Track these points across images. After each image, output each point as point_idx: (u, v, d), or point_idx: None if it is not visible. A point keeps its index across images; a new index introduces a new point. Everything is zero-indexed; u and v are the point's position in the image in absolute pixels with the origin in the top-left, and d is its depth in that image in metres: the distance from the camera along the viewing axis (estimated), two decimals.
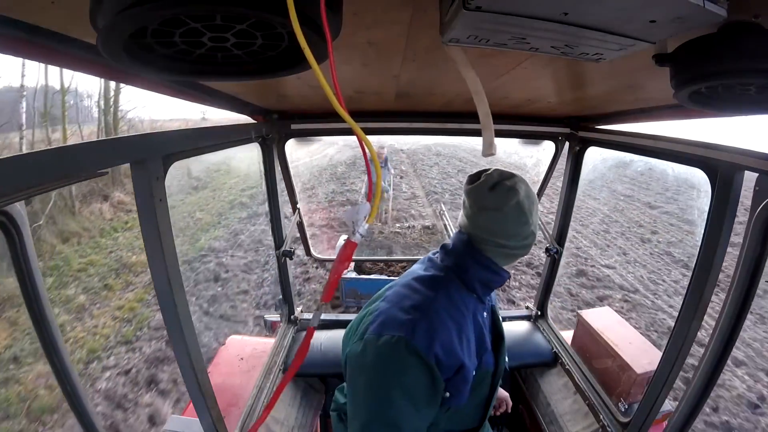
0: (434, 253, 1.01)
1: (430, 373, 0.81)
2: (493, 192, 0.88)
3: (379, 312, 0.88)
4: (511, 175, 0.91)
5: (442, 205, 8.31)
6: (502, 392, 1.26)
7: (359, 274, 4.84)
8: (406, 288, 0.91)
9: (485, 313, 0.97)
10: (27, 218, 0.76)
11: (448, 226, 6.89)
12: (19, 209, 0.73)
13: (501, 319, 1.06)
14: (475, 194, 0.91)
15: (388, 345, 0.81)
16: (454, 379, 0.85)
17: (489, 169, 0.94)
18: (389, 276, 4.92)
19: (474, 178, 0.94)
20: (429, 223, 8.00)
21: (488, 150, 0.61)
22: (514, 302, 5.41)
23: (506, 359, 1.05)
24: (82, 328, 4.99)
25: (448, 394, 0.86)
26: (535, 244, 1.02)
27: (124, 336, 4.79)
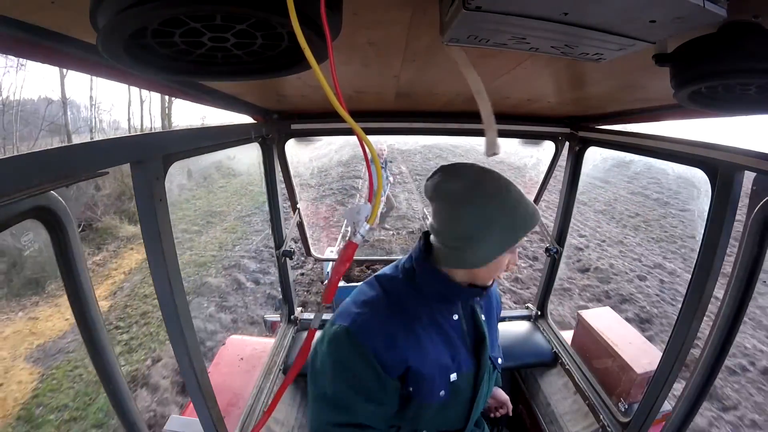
0: (404, 257, 1.00)
1: (370, 365, 0.84)
2: (429, 180, 0.90)
3: (341, 305, 0.94)
4: (458, 166, 0.88)
5: (426, 209, 8.31)
6: (502, 395, 1.25)
7: (347, 282, 4.81)
8: (366, 285, 0.96)
9: (455, 316, 0.94)
10: (69, 208, 0.74)
11: None
12: (61, 201, 0.72)
13: (491, 322, 1.04)
14: (429, 187, 0.91)
15: (335, 333, 0.87)
16: (409, 377, 0.88)
17: (458, 163, 0.90)
18: None
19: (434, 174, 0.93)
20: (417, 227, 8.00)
21: (492, 149, 0.60)
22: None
23: (498, 360, 1.02)
24: (206, 238, 8.14)
25: (411, 389, 0.89)
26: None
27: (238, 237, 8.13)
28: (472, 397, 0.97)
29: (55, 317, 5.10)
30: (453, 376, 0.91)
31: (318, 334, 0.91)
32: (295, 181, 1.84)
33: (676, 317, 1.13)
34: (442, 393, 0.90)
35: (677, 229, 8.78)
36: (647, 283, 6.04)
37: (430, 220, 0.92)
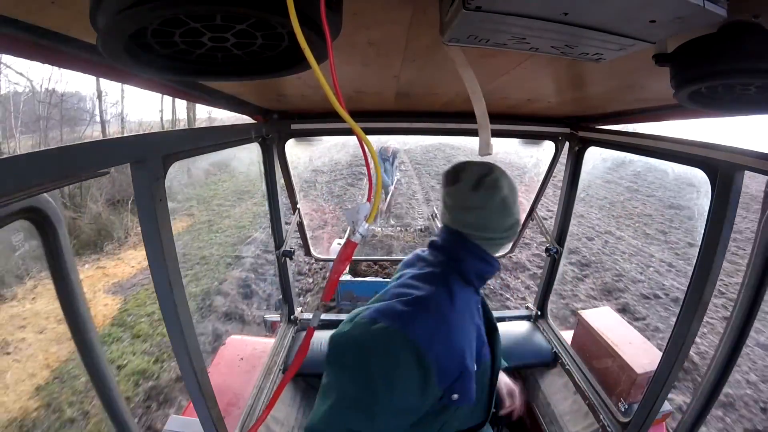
0: (423, 251, 1.00)
1: (424, 376, 0.76)
2: (476, 192, 0.88)
3: (376, 305, 0.86)
4: (490, 170, 0.90)
5: (434, 208, 8.38)
6: (509, 385, 1.24)
7: (354, 277, 4.84)
8: (403, 287, 0.89)
9: (479, 306, 0.97)
10: (60, 212, 0.74)
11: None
12: (51, 202, 0.72)
13: (494, 314, 1.06)
14: (456, 196, 0.91)
15: (382, 334, 0.77)
16: (458, 381, 0.82)
17: (464, 165, 0.92)
18: (384, 278, 4.93)
19: (453, 179, 0.92)
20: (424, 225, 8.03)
21: (485, 150, 0.61)
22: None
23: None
24: (240, 210, 9.26)
25: (456, 396, 0.82)
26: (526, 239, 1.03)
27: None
28: (490, 389, 0.98)
29: (120, 266, 6.46)
30: (479, 368, 0.90)
31: (338, 329, 0.85)
32: (294, 181, 1.84)
33: (676, 317, 1.13)
34: (475, 389, 0.87)
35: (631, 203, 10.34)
36: (594, 242, 7.62)
37: (467, 221, 0.91)
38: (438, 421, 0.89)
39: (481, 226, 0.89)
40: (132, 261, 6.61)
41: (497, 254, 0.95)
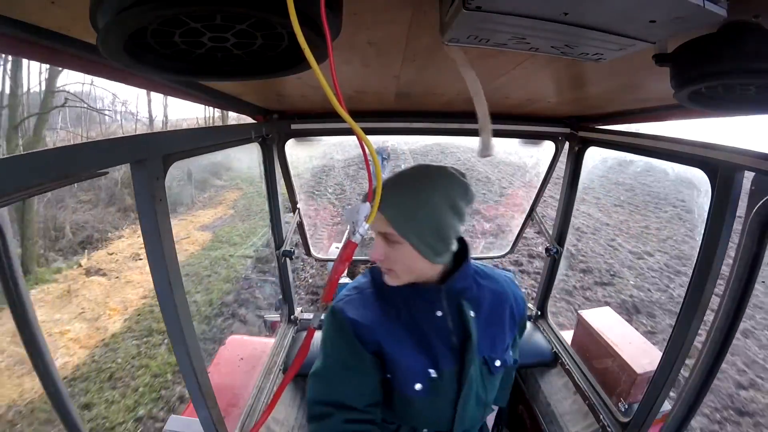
0: None
1: (347, 337, 0.89)
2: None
3: None
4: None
5: None
6: None
7: (352, 279, 4.82)
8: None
9: (439, 312, 0.91)
10: (8, 218, 0.74)
11: None
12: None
13: (473, 316, 0.95)
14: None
15: (329, 312, 0.95)
16: (385, 359, 0.90)
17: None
18: None
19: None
20: None
21: (486, 151, 0.61)
22: None
23: (495, 362, 0.96)
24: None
25: (389, 375, 0.91)
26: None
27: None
28: (455, 398, 0.92)
29: (202, 217, 9.72)
30: (432, 372, 0.89)
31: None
32: (295, 181, 1.84)
33: (676, 317, 1.13)
34: (418, 387, 0.88)
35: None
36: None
37: None
38: (394, 404, 0.93)
39: None
40: (210, 212, 10.04)
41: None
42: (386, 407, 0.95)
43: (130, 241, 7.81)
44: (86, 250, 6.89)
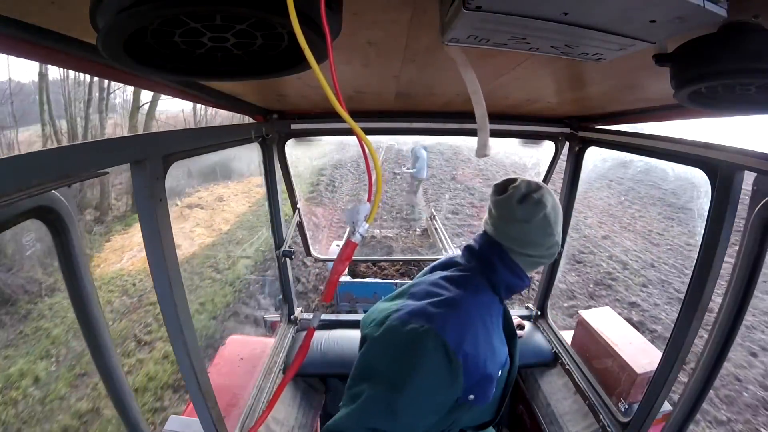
0: (456, 256, 1.04)
1: (454, 372, 0.79)
2: (521, 205, 0.90)
3: (405, 305, 0.88)
4: (538, 187, 0.92)
5: (434, 210, 8.49)
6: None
7: (353, 278, 4.83)
8: (435, 286, 0.92)
9: (501, 314, 0.99)
10: (72, 209, 0.73)
11: (439, 230, 6.93)
12: (62, 201, 0.71)
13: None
14: (503, 206, 0.93)
15: (414, 333, 0.79)
16: (479, 384, 0.84)
17: (516, 180, 0.95)
18: (383, 279, 4.93)
19: (501, 189, 0.96)
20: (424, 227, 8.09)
21: (482, 150, 0.61)
22: None
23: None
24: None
25: (472, 397, 0.84)
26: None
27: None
28: (504, 391, 1.00)
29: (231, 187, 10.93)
30: (499, 373, 0.93)
31: (370, 330, 0.86)
32: (295, 181, 1.84)
33: (676, 317, 1.13)
34: (494, 391, 0.90)
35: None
36: None
37: (510, 234, 0.94)
38: (449, 418, 0.90)
39: (523, 242, 0.92)
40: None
41: (531, 271, 0.97)
42: (444, 416, 0.88)
43: (212, 191, 10.45)
44: (178, 197, 9.49)
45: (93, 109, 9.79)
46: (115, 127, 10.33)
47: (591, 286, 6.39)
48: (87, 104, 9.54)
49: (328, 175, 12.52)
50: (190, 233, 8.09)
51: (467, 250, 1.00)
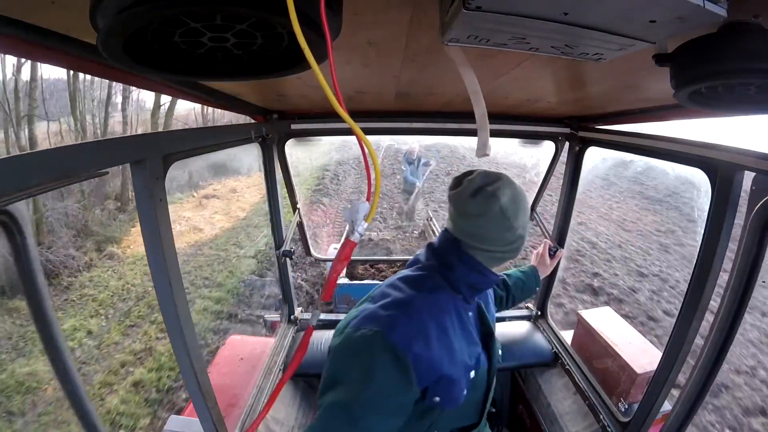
0: (420, 253, 0.99)
1: (404, 374, 0.78)
2: (474, 198, 0.85)
3: (363, 309, 0.87)
4: (495, 179, 0.87)
5: (430, 211, 8.51)
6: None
7: (351, 280, 4.83)
8: (390, 287, 0.90)
9: (470, 313, 0.95)
10: (28, 216, 0.74)
11: (435, 231, 6.92)
12: (20, 207, 0.71)
13: (492, 316, 1.04)
14: (457, 200, 0.89)
15: (364, 338, 0.79)
16: (438, 385, 0.83)
17: (473, 173, 0.91)
18: (381, 281, 4.88)
19: (456, 183, 0.91)
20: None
21: (482, 150, 0.61)
22: None
23: (500, 356, 1.03)
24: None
25: (438, 399, 0.83)
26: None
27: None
28: (485, 392, 0.98)
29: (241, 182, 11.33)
30: (472, 374, 0.91)
31: (332, 342, 0.86)
32: (295, 181, 1.84)
33: (676, 317, 1.13)
34: (464, 393, 0.88)
35: None
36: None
37: (471, 230, 0.89)
38: (424, 422, 0.89)
39: (479, 236, 0.87)
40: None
41: (495, 267, 0.92)
42: (416, 420, 0.88)
43: (225, 184, 11.19)
44: (193, 189, 10.37)
45: (112, 108, 10.28)
46: (142, 124, 11.05)
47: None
48: (107, 102, 10.00)
49: (332, 170, 13.42)
50: (211, 219, 9.13)
51: (428, 247, 0.96)
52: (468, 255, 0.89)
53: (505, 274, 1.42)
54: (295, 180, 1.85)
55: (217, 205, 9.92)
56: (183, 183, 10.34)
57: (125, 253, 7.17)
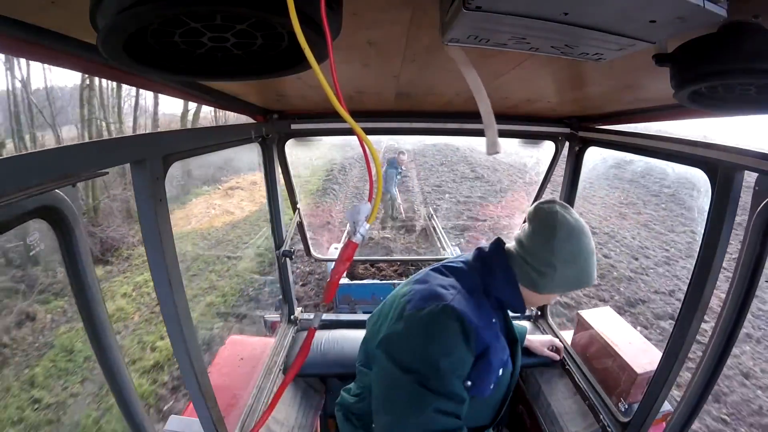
0: (467, 254, 1.07)
1: (467, 339, 0.84)
2: (540, 216, 0.95)
3: (415, 291, 0.93)
4: (564, 207, 0.96)
5: (431, 209, 8.56)
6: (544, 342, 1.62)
7: (351, 280, 4.82)
8: (437, 271, 0.98)
9: (495, 319, 1.00)
10: (76, 208, 0.73)
11: (437, 229, 6.92)
12: (66, 201, 0.71)
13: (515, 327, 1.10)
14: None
15: (432, 314, 0.86)
16: (479, 363, 0.88)
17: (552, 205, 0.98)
18: (381, 280, 4.92)
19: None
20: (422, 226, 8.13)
21: (492, 148, 0.60)
22: None
23: (519, 365, 1.10)
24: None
25: (470, 383, 0.88)
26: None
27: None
28: (505, 395, 1.02)
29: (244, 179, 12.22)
30: (500, 371, 0.95)
31: (390, 331, 0.90)
32: (295, 181, 1.84)
33: (676, 317, 1.13)
34: (492, 387, 0.93)
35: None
36: None
37: (521, 237, 0.97)
38: None
39: (523, 244, 0.95)
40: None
41: (525, 287, 0.97)
42: None
43: (244, 179, 12.18)
44: (218, 183, 11.72)
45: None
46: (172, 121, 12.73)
47: None
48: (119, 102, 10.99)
49: (339, 164, 15.40)
50: (239, 204, 10.79)
51: (477, 250, 1.04)
52: (509, 266, 0.96)
53: None
54: (295, 180, 1.85)
55: (241, 194, 11.36)
56: (208, 178, 12.07)
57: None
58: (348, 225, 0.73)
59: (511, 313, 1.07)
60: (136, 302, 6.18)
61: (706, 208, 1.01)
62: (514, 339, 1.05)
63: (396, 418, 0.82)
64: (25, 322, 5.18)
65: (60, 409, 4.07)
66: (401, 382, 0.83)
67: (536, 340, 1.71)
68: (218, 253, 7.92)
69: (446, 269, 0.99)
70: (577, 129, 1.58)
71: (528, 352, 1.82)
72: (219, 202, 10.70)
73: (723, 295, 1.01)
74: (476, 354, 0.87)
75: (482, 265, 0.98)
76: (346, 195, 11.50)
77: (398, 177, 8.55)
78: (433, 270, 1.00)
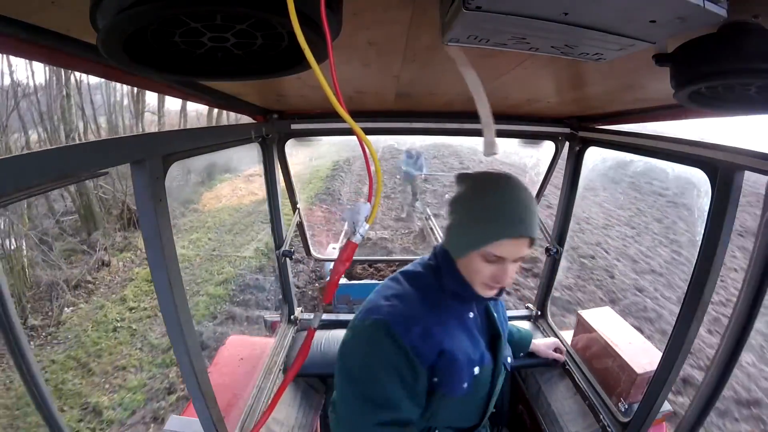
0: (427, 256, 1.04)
1: (407, 358, 0.84)
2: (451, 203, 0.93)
3: (367, 301, 0.94)
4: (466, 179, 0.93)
5: (428, 209, 8.61)
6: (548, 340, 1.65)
7: (350, 280, 4.82)
8: (392, 281, 0.98)
9: (471, 314, 0.97)
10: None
11: (434, 230, 6.92)
12: None
13: (502, 319, 1.07)
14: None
15: (370, 327, 0.87)
16: (439, 364, 0.87)
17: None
18: (379, 280, 4.90)
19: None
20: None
21: (490, 149, 0.61)
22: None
23: (507, 360, 1.05)
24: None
25: (436, 380, 0.88)
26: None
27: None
28: (489, 393, 0.99)
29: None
30: (476, 370, 0.93)
31: (342, 338, 0.92)
32: (294, 180, 1.84)
33: (676, 317, 1.13)
34: (465, 385, 0.91)
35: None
36: None
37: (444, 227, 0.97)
38: (430, 406, 0.91)
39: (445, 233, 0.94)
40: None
41: (459, 256, 0.93)
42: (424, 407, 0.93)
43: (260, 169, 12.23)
44: (238, 172, 12.04)
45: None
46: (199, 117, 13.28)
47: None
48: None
49: (343, 159, 15.72)
50: (261, 188, 10.72)
51: (433, 248, 1.02)
52: (451, 261, 0.93)
53: None
54: (295, 179, 1.85)
55: (260, 180, 11.75)
56: (231, 167, 12.60)
57: (204, 208, 10.28)
58: (346, 225, 0.73)
59: (510, 313, 1.07)
60: (193, 251, 7.80)
61: (706, 208, 1.01)
62: (495, 333, 1.01)
63: (347, 418, 0.88)
64: (102, 267, 6.91)
65: (152, 311, 5.72)
66: (347, 395, 0.87)
67: (541, 343, 1.71)
68: (253, 219, 9.32)
69: (403, 275, 0.98)
70: (577, 129, 1.58)
71: (533, 355, 1.83)
72: (242, 186, 11.55)
73: (721, 295, 1.00)
74: (428, 357, 0.86)
75: (435, 261, 0.97)
76: (349, 184, 12.40)
77: (418, 172, 8.77)
78: (391, 279, 0.99)
